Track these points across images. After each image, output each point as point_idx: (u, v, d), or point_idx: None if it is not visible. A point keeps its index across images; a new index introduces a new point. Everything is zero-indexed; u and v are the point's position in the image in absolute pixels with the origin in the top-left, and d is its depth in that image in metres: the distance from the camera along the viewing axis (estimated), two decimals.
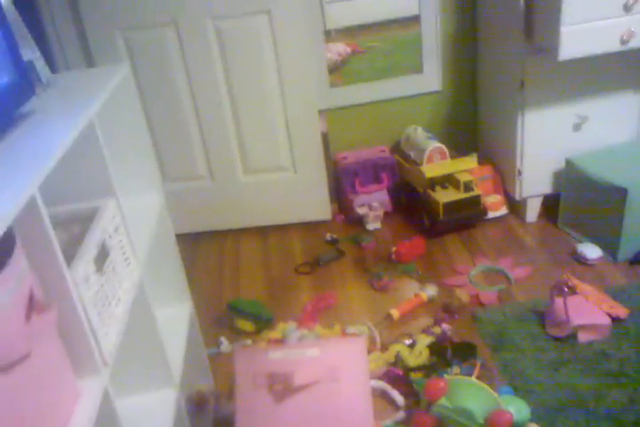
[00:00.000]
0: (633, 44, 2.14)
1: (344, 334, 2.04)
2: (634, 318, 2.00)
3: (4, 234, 0.79)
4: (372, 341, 2.03)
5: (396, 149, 2.94)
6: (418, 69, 2.86)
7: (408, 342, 1.97)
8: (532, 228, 2.64)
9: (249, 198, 2.85)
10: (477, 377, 1.71)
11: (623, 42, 2.14)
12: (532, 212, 2.67)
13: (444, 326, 2.04)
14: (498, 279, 2.33)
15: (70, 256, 0.98)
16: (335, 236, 2.73)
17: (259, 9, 2.49)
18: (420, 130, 2.81)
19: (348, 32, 2.75)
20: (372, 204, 2.76)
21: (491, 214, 2.68)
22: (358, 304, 2.29)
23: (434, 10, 2.74)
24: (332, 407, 1.52)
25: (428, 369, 1.84)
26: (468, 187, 2.57)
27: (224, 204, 2.86)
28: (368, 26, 2.74)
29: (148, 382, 1.33)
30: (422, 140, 2.73)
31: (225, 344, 2.11)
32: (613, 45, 2.15)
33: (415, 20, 2.76)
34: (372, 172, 2.81)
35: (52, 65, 2.46)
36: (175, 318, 1.64)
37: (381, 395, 1.82)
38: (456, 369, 1.81)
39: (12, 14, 1.22)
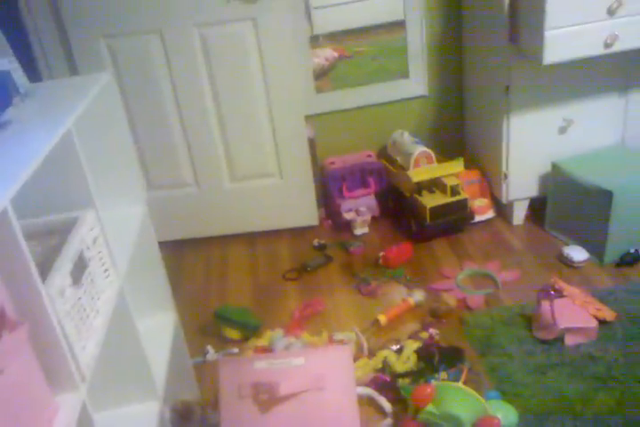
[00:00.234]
0: (617, 47, 2.15)
1: (331, 340, 2.03)
2: (621, 320, 2.01)
3: None
4: (359, 347, 2.02)
5: (383, 153, 2.94)
6: (404, 74, 2.87)
7: (395, 347, 1.96)
8: (519, 231, 2.64)
9: (235, 205, 2.84)
10: (465, 382, 1.70)
11: (607, 45, 2.15)
12: (519, 215, 2.67)
13: (432, 330, 2.03)
14: (485, 283, 2.33)
15: (48, 268, 0.97)
16: (323, 241, 2.72)
17: (244, 16, 2.48)
18: (406, 134, 2.81)
19: (335, 37, 2.75)
20: (360, 209, 2.76)
21: (478, 218, 2.68)
22: (346, 310, 2.28)
23: (419, 15, 2.74)
24: (318, 416, 1.51)
25: (416, 375, 1.83)
26: (454, 191, 2.57)
27: (210, 211, 2.85)
28: (355, 31, 2.75)
29: (131, 395, 1.32)
30: (409, 144, 2.73)
31: (211, 353, 2.10)
32: (598, 49, 2.16)
33: (401, 24, 2.77)
34: (359, 177, 2.81)
35: (35, 74, 2.44)
36: (159, 327, 1.62)
37: (369, 402, 1.81)
38: (443, 374, 1.81)
39: None
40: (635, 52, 2.27)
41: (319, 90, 2.84)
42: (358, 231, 2.77)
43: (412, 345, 1.95)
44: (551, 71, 2.34)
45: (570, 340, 1.94)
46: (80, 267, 1.04)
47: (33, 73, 2.35)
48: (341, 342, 1.99)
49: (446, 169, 2.62)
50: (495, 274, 2.35)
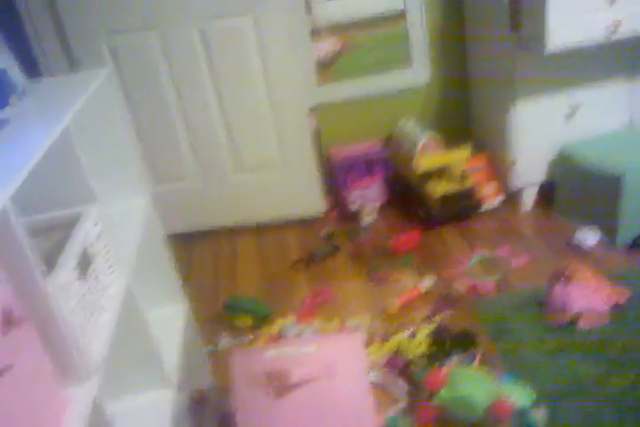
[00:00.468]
0: (620, 33, 2.12)
1: (343, 327, 2.03)
2: (633, 303, 1.99)
3: None
4: (371, 333, 2.02)
5: (389, 142, 2.93)
6: (407, 63, 2.85)
7: (407, 333, 1.96)
8: (529, 217, 2.63)
9: (242, 197, 2.83)
10: (478, 366, 1.70)
11: (610, 32, 2.12)
12: (528, 201, 2.66)
13: (443, 316, 2.03)
14: (495, 269, 2.32)
15: (54, 264, 0.97)
16: (330, 231, 2.71)
17: (243, 10, 2.47)
18: (411, 123, 2.80)
19: (337, 29, 2.74)
20: (366, 198, 2.75)
21: (486, 205, 2.67)
22: (356, 297, 2.28)
23: (418, 3, 2.72)
24: (330, 403, 1.51)
25: (429, 359, 1.83)
26: (462, 178, 2.56)
27: (217, 203, 2.84)
28: (356, 22, 2.73)
29: (145, 384, 1.32)
30: (414, 133, 2.72)
31: (225, 340, 2.10)
32: (601, 35, 2.13)
33: (401, 14, 2.75)
34: (365, 166, 2.80)
35: (35, 71, 2.43)
36: (171, 318, 1.62)
37: (382, 387, 1.81)
38: (456, 359, 1.80)
39: None
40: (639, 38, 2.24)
41: (323, 81, 2.83)
42: (365, 220, 2.76)
43: (424, 330, 1.95)
44: (556, 57, 2.31)
45: (582, 323, 1.93)
46: (84, 263, 1.03)
47: (32, 70, 2.34)
48: (353, 328, 1.99)
49: (453, 156, 2.61)
50: (505, 259, 2.34)
